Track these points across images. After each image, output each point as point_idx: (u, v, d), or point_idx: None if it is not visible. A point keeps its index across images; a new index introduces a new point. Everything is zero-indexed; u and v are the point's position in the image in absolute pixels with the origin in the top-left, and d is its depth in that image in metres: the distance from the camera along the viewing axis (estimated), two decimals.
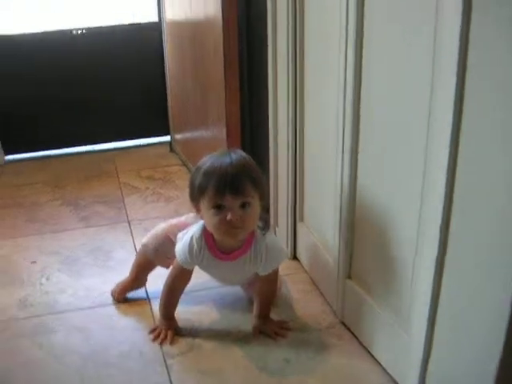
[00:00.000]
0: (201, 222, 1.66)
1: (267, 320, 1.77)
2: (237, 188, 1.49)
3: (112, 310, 1.91)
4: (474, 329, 1.16)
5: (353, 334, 1.72)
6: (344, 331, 1.74)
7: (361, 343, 1.66)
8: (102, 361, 1.66)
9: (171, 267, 1.78)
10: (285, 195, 2.12)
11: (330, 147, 1.72)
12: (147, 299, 1.95)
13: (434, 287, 1.26)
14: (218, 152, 1.59)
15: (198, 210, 1.60)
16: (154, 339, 1.73)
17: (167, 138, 3.60)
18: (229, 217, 1.50)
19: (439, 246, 1.22)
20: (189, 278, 1.77)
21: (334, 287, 1.80)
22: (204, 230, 1.65)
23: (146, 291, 1.98)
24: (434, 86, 1.19)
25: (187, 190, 1.63)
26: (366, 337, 1.65)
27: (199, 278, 1.83)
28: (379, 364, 1.57)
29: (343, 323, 1.77)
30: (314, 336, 1.73)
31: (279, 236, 2.20)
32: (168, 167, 3.23)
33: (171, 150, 3.51)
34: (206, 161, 1.56)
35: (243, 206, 1.52)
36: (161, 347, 1.70)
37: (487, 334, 1.12)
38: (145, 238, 1.90)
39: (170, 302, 1.78)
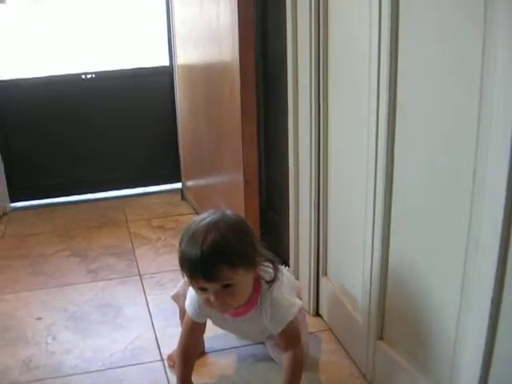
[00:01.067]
0: None
1: None
2: (210, 274, 1.39)
3: (122, 372, 1.77)
4: None
5: None
6: None
7: None
8: None
9: (183, 325, 1.67)
10: (307, 247, 1.99)
11: (358, 207, 1.61)
12: (161, 360, 1.81)
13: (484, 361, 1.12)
14: (200, 219, 1.46)
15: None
16: None
17: (178, 185, 3.50)
18: (212, 299, 1.43)
19: (489, 324, 1.09)
20: (202, 333, 1.68)
21: (364, 348, 1.67)
22: None
23: (160, 351, 1.84)
24: (480, 142, 1.08)
25: None
26: None
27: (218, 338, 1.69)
28: None
29: None
30: None
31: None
32: (179, 216, 3.11)
33: (182, 197, 3.40)
34: (186, 233, 1.45)
35: (226, 285, 1.42)
36: None
37: None
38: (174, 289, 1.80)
39: (185, 362, 1.64)
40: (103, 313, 2.12)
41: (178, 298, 1.75)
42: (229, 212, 1.49)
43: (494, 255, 1.06)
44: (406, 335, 1.48)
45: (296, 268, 2.10)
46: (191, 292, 1.59)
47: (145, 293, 2.25)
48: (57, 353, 1.88)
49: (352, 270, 1.73)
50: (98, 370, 1.78)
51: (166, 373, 1.75)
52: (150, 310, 2.12)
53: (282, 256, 2.12)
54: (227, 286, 1.42)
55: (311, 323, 1.95)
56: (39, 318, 2.09)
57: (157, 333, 1.97)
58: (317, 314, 2.02)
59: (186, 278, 1.50)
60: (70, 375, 1.76)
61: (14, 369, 1.80)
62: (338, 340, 1.87)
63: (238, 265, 1.41)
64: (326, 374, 1.72)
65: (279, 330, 1.57)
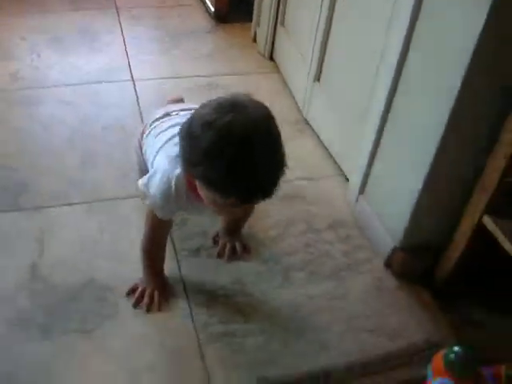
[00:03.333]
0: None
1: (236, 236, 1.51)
2: (250, 202, 1.14)
3: (98, 87, 2.06)
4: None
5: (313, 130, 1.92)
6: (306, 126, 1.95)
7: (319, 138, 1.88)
8: (88, 132, 1.85)
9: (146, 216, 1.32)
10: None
11: None
12: (132, 81, 2.10)
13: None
14: (235, 121, 1.01)
15: (189, 176, 1.14)
16: (136, 304, 1.34)
17: None
18: (234, 211, 1.26)
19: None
20: (171, 225, 1.38)
21: (304, 88, 1.96)
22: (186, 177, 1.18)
23: (131, 73, 2.14)
24: None
25: None
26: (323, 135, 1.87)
27: None
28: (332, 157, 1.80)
29: (306, 120, 1.97)
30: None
31: (259, 36, 2.31)
32: None
33: None
34: (224, 135, 1.01)
35: None
36: None
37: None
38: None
39: (155, 255, 1.38)
40: (82, 37, 2.35)
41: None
42: (259, 111, 1.07)
43: None
44: (335, 78, 1.78)
45: (258, 14, 2.31)
46: (156, 187, 1.22)
47: (120, 24, 2.46)
48: (40, 68, 2.15)
49: (303, 21, 1.95)
50: (76, 84, 2.08)
51: (135, 91, 2.05)
52: (125, 38, 2.36)
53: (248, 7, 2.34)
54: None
55: (265, 66, 2.24)
56: (23, 38, 2.32)
57: (130, 58, 2.23)
58: (271, 58, 2.30)
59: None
60: (54, 87, 2.06)
61: (4, 77, 2.08)
62: (285, 82, 2.16)
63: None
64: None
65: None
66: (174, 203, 1.21)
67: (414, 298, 1.39)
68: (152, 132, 1.38)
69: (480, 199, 1.22)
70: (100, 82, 2.09)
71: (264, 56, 2.29)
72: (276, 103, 2.01)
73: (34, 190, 1.61)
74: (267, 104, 1.08)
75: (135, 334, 1.27)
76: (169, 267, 1.41)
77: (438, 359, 1.15)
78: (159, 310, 1.33)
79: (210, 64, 2.24)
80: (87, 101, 1.99)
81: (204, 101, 1.07)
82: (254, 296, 1.37)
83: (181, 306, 1.34)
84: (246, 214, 1.45)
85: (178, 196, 1.19)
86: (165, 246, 1.38)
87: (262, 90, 2.08)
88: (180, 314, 1.32)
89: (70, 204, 1.58)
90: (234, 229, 1.49)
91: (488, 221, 1.23)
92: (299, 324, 1.31)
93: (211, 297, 1.36)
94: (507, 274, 1.34)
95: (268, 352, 1.25)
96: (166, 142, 1.28)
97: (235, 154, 1.00)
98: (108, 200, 1.60)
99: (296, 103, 2.04)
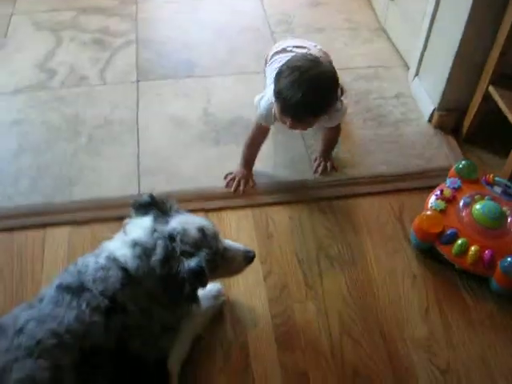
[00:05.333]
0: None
1: (328, 157, 2.07)
2: (302, 121, 1.77)
3: None
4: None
5: (388, 35, 2.67)
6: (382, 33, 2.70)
7: (391, 41, 2.63)
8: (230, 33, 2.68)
9: (253, 123, 1.97)
10: None
11: None
12: None
13: None
14: (306, 64, 1.69)
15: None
16: (226, 185, 2.00)
17: None
18: (297, 127, 1.83)
19: None
20: (266, 136, 1.99)
21: (383, 3, 2.69)
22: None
23: None
24: None
25: None
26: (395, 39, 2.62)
27: None
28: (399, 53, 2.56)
29: (384, 29, 2.72)
30: (365, 34, 2.69)
31: None
32: None
33: None
34: (292, 71, 1.67)
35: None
36: None
37: None
38: None
39: (251, 148, 1.99)
40: None
41: None
42: (321, 60, 1.76)
43: None
44: None
45: None
46: (265, 101, 1.87)
47: None
48: None
49: None
50: None
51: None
52: None
53: None
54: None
55: None
56: None
57: None
58: None
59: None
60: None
61: None
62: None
63: (322, 114, 1.76)
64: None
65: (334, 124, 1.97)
66: (271, 117, 1.86)
67: (444, 142, 2.17)
68: (271, 65, 2.00)
69: (487, 72, 1.97)
70: None
71: None
72: (360, 15, 2.77)
73: (200, 64, 2.50)
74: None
75: None
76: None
77: (452, 168, 1.95)
78: (243, 193, 1.96)
79: None
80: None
81: None
82: None
83: None
84: (332, 141, 2.05)
85: (273, 114, 1.83)
86: (258, 149, 1.99)
87: (352, 4, 2.84)
88: None
89: (224, 75, 2.45)
90: (326, 152, 2.06)
91: (492, 90, 1.98)
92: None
93: None
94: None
95: None
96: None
97: (290, 88, 1.64)
98: (250, 73, 2.45)
99: (376, 15, 2.77)
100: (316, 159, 2.07)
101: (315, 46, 2.05)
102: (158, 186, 1.94)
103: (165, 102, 2.31)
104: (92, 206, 1.93)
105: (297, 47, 2.01)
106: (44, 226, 1.88)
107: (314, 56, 1.79)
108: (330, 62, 1.95)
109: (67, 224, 1.88)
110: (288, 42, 2.08)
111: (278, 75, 1.70)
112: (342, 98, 1.93)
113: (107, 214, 1.86)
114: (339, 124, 1.96)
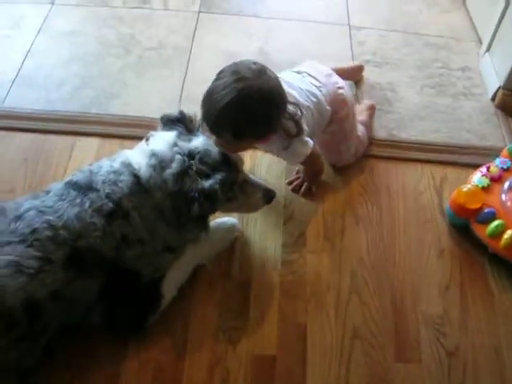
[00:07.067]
0: None
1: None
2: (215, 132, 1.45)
3: None
4: None
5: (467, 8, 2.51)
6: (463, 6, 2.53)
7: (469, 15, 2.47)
8: None
9: None
10: None
11: None
12: None
13: None
14: (245, 72, 1.39)
15: None
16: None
17: None
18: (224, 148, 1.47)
19: None
20: None
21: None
22: None
23: None
24: None
25: None
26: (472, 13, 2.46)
27: None
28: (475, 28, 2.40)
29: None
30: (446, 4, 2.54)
31: None
32: None
33: None
34: (226, 74, 1.41)
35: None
36: None
37: None
38: None
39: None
40: None
41: None
42: (268, 75, 1.43)
43: None
44: None
45: None
46: None
47: None
48: None
49: None
50: None
51: None
52: None
53: None
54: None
55: None
56: None
57: None
58: None
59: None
60: None
61: None
62: None
63: (243, 137, 1.45)
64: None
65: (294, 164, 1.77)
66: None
67: (503, 123, 2.03)
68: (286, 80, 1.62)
69: None
70: None
71: None
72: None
73: (266, 5, 2.44)
74: None
75: None
76: None
77: (505, 148, 1.82)
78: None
79: None
80: None
81: None
82: None
83: None
84: (311, 173, 1.75)
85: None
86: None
87: None
88: None
89: (289, 19, 2.38)
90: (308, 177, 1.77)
91: None
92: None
93: None
94: None
95: None
96: None
97: (221, 91, 1.37)
98: (315, 22, 2.38)
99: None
100: (298, 172, 1.81)
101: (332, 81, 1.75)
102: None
103: (222, 36, 2.27)
104: (126, 121, 1.91)
105: (310, 75, 1.73)
106: (75, 133, 1.88)
107: (262, 66, 1.46)
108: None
109: (97, 135, 1.87)
110: (304, 67, 1.79)
111: (217, 74, 1.46)
112: (304, 138, 1.60)
113: (139, 133, 1.80)
114: (315, 159, 1.70)
